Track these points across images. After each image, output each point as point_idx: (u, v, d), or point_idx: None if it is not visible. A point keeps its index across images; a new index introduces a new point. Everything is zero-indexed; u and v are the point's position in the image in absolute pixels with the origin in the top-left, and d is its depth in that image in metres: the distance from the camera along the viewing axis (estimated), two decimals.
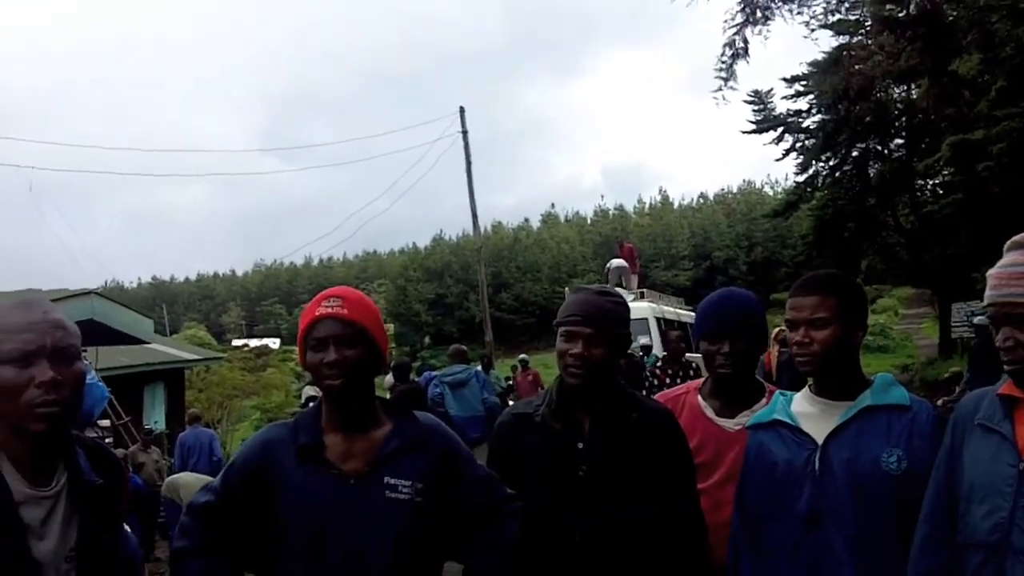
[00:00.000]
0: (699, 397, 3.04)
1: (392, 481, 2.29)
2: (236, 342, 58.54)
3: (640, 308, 16.05)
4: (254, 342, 58.09)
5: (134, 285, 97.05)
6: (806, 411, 2.58)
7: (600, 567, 2.53)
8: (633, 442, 2.59)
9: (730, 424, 2.92)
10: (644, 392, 7.81)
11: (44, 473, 1.98)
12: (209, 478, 10.65)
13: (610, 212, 78.17)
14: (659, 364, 8.10)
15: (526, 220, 77.94)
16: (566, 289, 24.58)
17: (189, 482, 10.32)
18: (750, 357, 2.96)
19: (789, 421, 2.57)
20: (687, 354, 8.51)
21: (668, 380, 7.55)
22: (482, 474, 2.50)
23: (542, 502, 2.56)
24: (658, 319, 17.47)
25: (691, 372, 7.66)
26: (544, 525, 2.54)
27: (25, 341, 1.90)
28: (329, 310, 2.31)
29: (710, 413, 2.99)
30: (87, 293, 9.32)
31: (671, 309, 19.73)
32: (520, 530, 2.46)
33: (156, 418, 18.18)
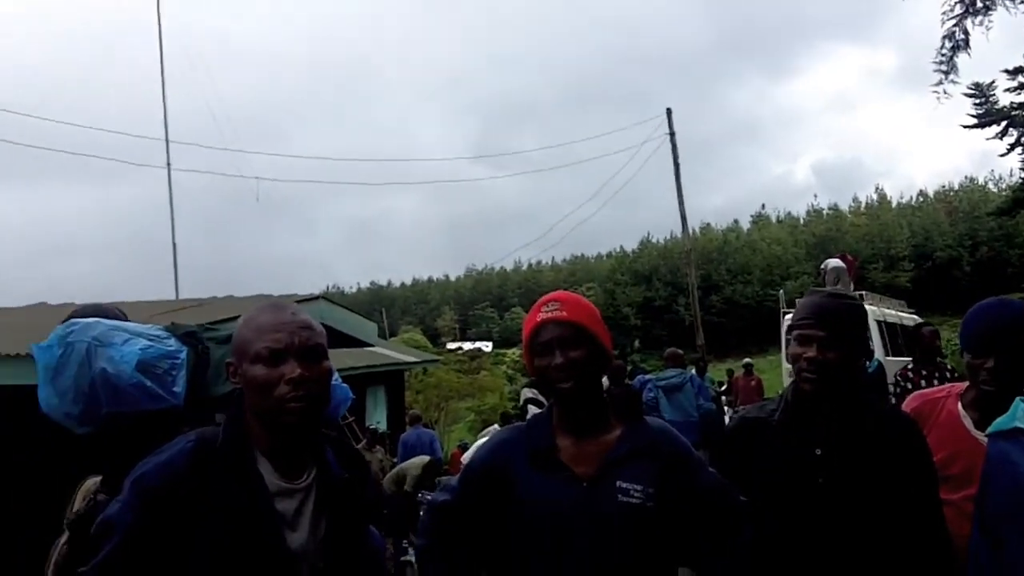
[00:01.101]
0: (959, 405, 2.86)
1: (624, 485, 2.28)
2: (450, 345, 60.18)
3: None
4: (467, 345, 59.55)
5: (353, 290, 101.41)
6: None
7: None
8: (873, 449, 2.48)
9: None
10: (893, 396, 7.40)
11: (295, 467, 2.07)
12: (429, 457, 11.05)
13: (824, 212, 75.39)
14: (910, 366, 7.57)
15: (735, 221, 76.48)
16: (780, 292, 23.93)
17: (413, 463, 10.73)
18: (1018, 373, 2.75)
19: None
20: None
21: (923, 383, 7.03)
22: (714, 479, 2.44)
23: (777, 509, 2.49)
24: (879, 322, 16.75)
25: (947, 374, 7.15)
26: (779, 532, 2.46)
27: (275, 340, 2.00)
28: (549, 314, 2.33)
29: (968, 424, 2.81)
30: (315, 298, 9.73)
31: (892, 312, 18.94)
32: (754, 537, 2.40)
33: (378, 419, 18.86)
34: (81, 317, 2.67)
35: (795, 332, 2.57)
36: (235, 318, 2.16)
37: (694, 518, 2.36)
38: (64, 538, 2.72)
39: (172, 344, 2.62)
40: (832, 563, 2.44)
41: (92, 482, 2.75)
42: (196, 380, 2.59)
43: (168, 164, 25.85)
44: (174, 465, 1.95)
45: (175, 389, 2.54)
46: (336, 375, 2.36)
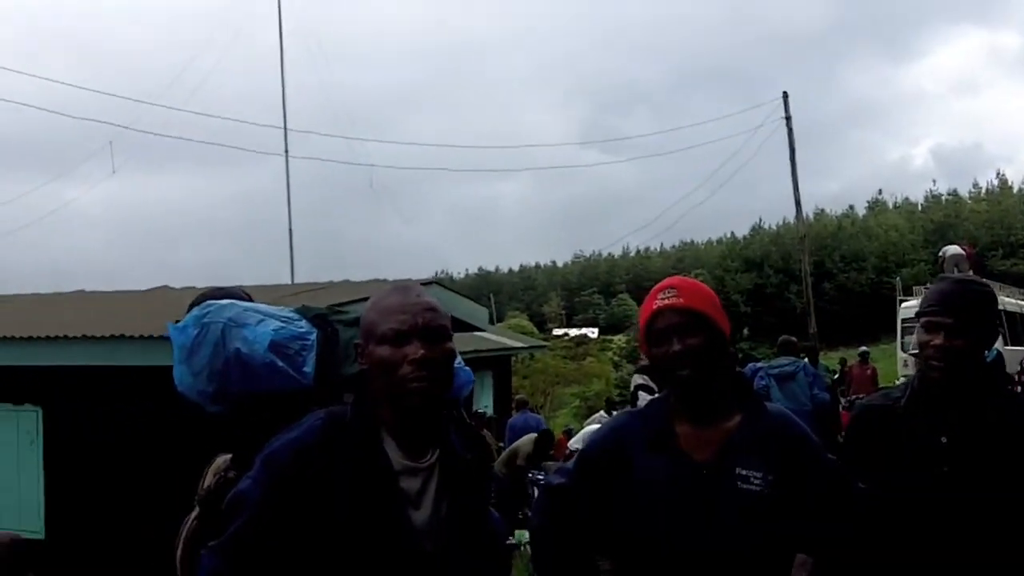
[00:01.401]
0: None
1: (743, 472, 2.27)
2: (556, 331, 60.04)
3: None
4: (573, 331, 59.35)
5: (462, 275, 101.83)
6: None
7: (966, 569, 2.38)
8: (1000, 438, 2.42)
9: None
10: (1019, 383, 7.20)
11: (420, 447, 2.11)
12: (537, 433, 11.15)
13: (943, 197, 72.57)
14: None
15: (850, 207, 73.97)
16: (896, 279, 23.32)
17: (525, 439, 10.85)
18: None
19: None
20: None
21: None
22: (834, 468, 2.42)
23: (898, 497, 2.45)
24: (999, 311, 16.25)
25: None
26: (900, 521, 2.43)
27: (399, 322, 2.04)
28: (666, 301, 2.32)
29: None
30: (429, 283, 9.90)
31: (1012, 300, 18.42)
32: (873, 526, 2.37)
33: (485, 403, 19.04)
34: (211, 299, 2.77)
35: (923, 319, 2.52)
36: (362, 300, 2.22)
37: (812, 506, 2.33)
38: (194, 514, 2.83)
39: (303, 326, 2.69)
40: (955, 552, 2.39)
41: (223, 460, 2.84)
42: (325, 361, 2.64)
43: (286, 151, 26.51)
44: (304, 442, 2.02)
45: (305, 369, 2.60)
46: (459, 358, 2.41)
